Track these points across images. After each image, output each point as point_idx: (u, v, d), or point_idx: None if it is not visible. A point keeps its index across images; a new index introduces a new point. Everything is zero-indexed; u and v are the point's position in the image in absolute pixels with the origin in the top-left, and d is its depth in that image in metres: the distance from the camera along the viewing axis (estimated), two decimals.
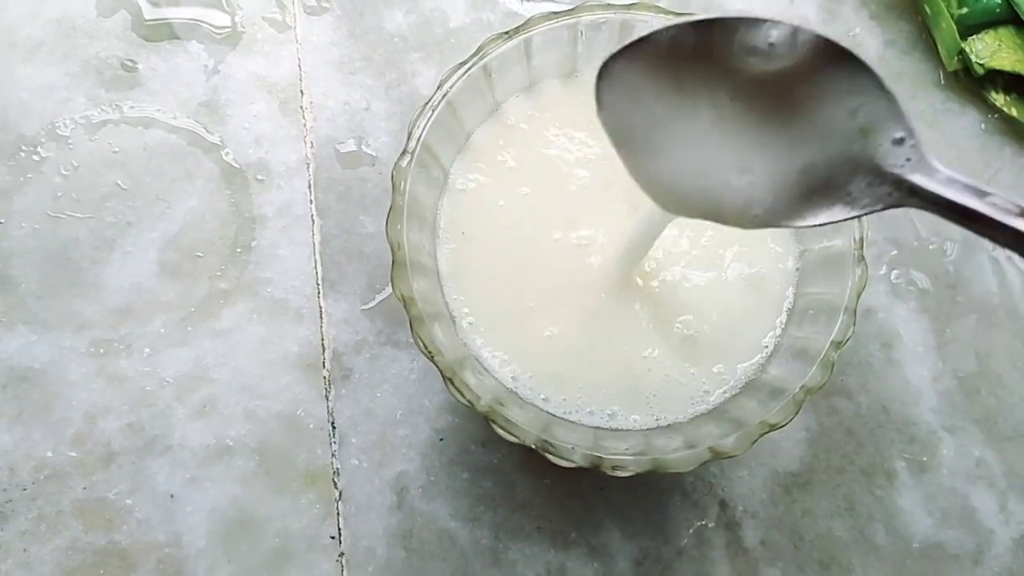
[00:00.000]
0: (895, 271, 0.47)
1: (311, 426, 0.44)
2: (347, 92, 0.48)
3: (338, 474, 0.43)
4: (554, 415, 0.38)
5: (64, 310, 0.44)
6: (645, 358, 0.39)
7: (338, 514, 0.43)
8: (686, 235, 0.40)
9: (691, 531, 0.44)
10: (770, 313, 0.40)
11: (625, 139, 0.31)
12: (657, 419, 0.38)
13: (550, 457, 0.35)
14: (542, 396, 0.38)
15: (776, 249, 0.41)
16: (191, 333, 0.44)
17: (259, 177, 0.47)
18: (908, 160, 0.27)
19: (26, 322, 0.44)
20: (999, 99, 0.49)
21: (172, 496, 0.43)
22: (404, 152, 0.37)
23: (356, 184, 0.47)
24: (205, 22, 0.49)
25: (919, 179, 0.27)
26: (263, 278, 0.45)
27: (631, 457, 0.35)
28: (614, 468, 0.35)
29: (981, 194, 0.26)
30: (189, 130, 0.47)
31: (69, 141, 0.46)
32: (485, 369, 0.38)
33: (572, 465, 0.35)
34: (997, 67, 0.47)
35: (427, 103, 0.38)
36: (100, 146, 0.46)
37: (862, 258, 0.37)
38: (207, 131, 0.47)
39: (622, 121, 0.31)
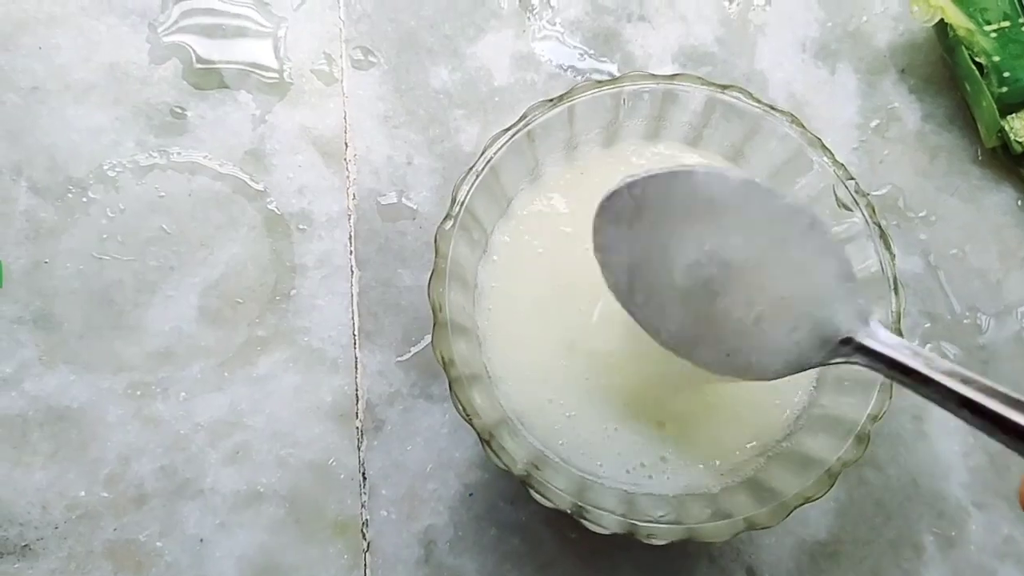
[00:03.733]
0: (928, 344, 0.47)
1: (342, 476, 0.44)
2: (391, 146, 0.49)
3: (367, 525, 0.44)
4: (588, 478, 0.38)
5: (104, 351, 0.45)
6: (680, 423, 0.39)
7: (365, 566, 0.43)
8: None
9: None
10: (801, 380, 0.40)
11: (616, 278, 0.35)
12: (690, 487, 0.39)
13: (584, 523, 0.35)
14: (576, 459, 0.39)
15: None
16: (227, 379, 0.45)
17: (301, 227, 0.47)
18: (860, 323, 0.32)
19: (67, 361, 0.45)
20: None
21: (202, 541, 0.43)
22: (447, 216, 0.37)
23: (396, 237, 0.48)
24: (255, 72, 0.50)
25: (869, 342, 0.31)
26: (301, 327, 0.46)
27: (665, 526, 0.35)
28: (648, 536, 0.35)
29: (917, 354, 0.30)
30: (234, 177, 0.48)
31: (117, 184, 0.47)
32: (521, 431, 0.39)
33: (608, 532, 0.35)
34: None
35: (471, 168, 0.38)
36: (147, 190, 0.47)
37: (899, 331, 0.38)
38: (252, 179, 0.48)
39: (614, 260, 0.35)
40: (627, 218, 0.33)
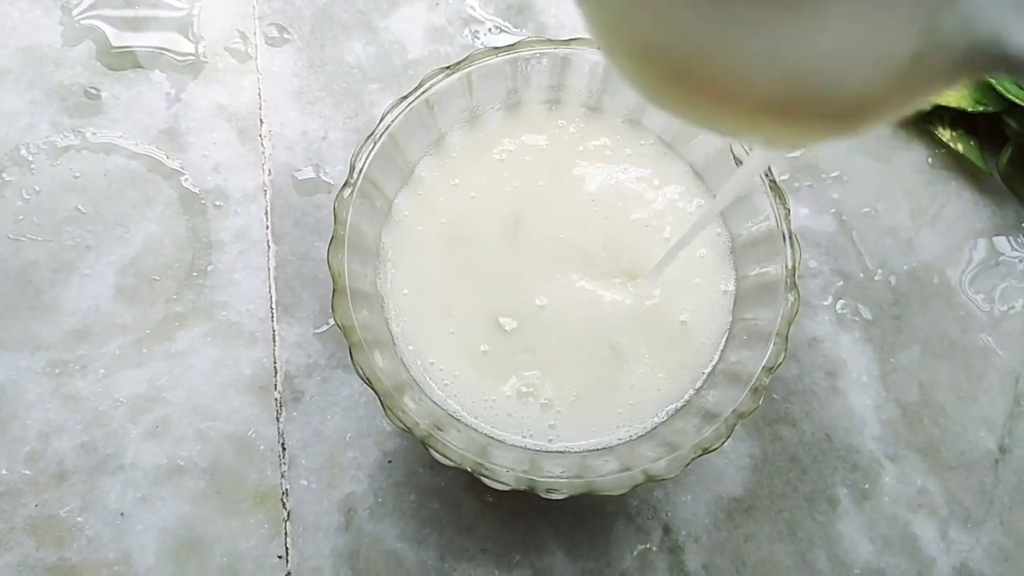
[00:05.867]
0: (840, 301, 0.48)
1: (261, 447, 0.45)
2: (305, 121, 0.49)
3: (287, 495, 0.44)
4: (492, 437, 0.39)
5: (22, 331, 0.45)
6: (579, 381, 0.40)
7: (286, 534, 0.44)
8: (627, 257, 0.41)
9: (634, 554, 0.44)
10: (713, 339, 0.41)
11: None
12: (593, 441, 0.39)
13: (486, 480, 0.36)
14: (479, 418, 0.39)
15: (716, 273, 0.42)
16: (146, 355, 0.45)
17: (217, 203, 0.48)
18: None
19: None
20: (945, 135, 0.50)
21: (123, 515, 0.43)
22: (346, 184, 0.38)
23: (312, 211, 0.48)
24: (169, 51, 0.50)
25: None
26: (218, 302, 0.46)
27: (565, 480, 0.36)
28: (548, 491, 0.35)
29: None
30: (149, 156, 0.48)
31: (32, 166, 0.48)
32: (425, 393, 0.39)
33: (508, 488, 0.36)
34: (943, 104, 0.48)
35: (369, 136, 0.39)
36: (62, 171, 0.48)
37: (794, 285, 0.38)
38: (167, 158, 0.48)
39: None
40: None
